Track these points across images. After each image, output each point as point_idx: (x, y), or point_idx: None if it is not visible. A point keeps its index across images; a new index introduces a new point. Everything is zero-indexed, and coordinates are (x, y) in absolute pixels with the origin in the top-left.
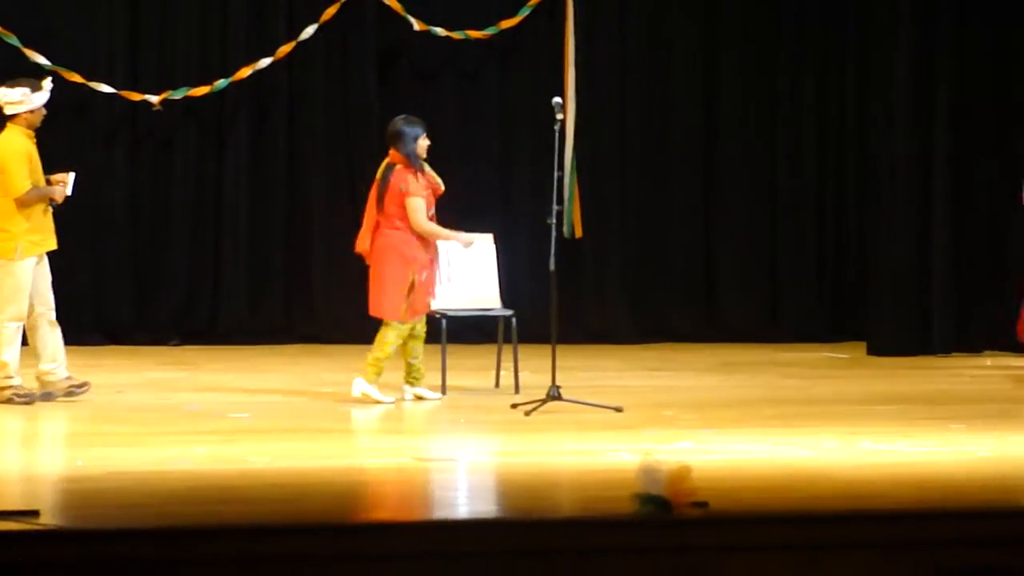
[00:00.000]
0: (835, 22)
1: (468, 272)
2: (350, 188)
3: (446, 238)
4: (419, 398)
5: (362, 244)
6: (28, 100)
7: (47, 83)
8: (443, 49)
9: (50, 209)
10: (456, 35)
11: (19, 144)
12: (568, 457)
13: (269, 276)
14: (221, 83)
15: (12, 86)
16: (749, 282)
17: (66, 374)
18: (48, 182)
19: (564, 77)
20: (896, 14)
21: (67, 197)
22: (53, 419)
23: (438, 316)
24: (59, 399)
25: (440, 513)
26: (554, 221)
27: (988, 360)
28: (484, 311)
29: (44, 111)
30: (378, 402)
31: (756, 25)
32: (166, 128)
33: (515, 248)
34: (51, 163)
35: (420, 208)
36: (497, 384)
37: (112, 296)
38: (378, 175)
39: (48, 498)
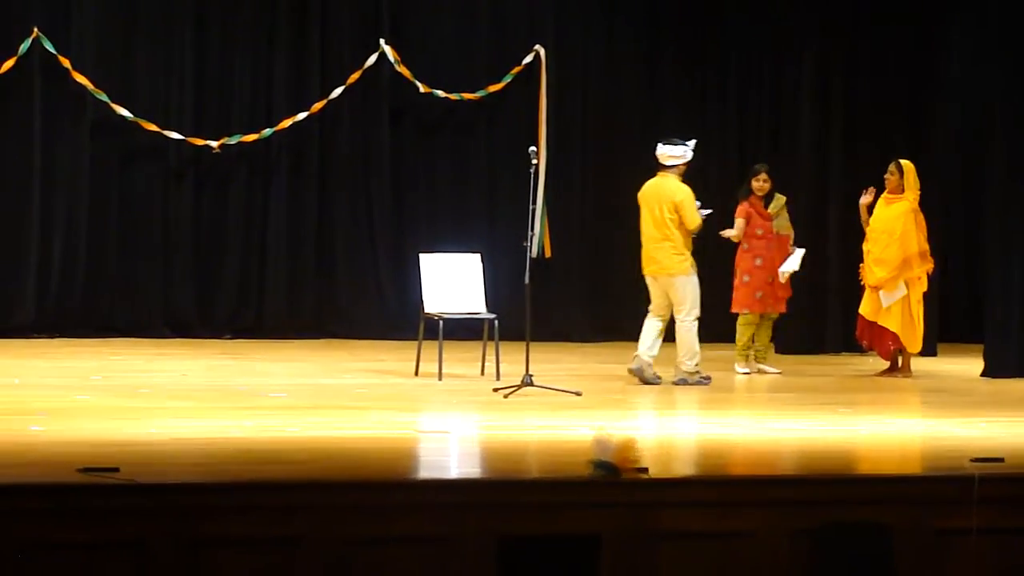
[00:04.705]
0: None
1: (461, 284)
2: (368, 218)
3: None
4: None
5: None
6: (683, 155)
7: (691, 142)
8: (443, 107)
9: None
10: (453, 96)
11: (688, 189)
12: (537, 431)
13: (302, 286)
14: (267, 132)
15: (673, 144)
16: None
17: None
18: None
19: (538, 130)
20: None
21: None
22: (133, 396)
23: (437, 319)
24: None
25: (434, 474)
26: (529, 244)
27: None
28: (473, 314)
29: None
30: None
31: (689, 90)
32: (223, 166)
33: (498, 265)
34: (135, 193)
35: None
36: (482, 372)
37: (179, 300)
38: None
39: (126, 458)
